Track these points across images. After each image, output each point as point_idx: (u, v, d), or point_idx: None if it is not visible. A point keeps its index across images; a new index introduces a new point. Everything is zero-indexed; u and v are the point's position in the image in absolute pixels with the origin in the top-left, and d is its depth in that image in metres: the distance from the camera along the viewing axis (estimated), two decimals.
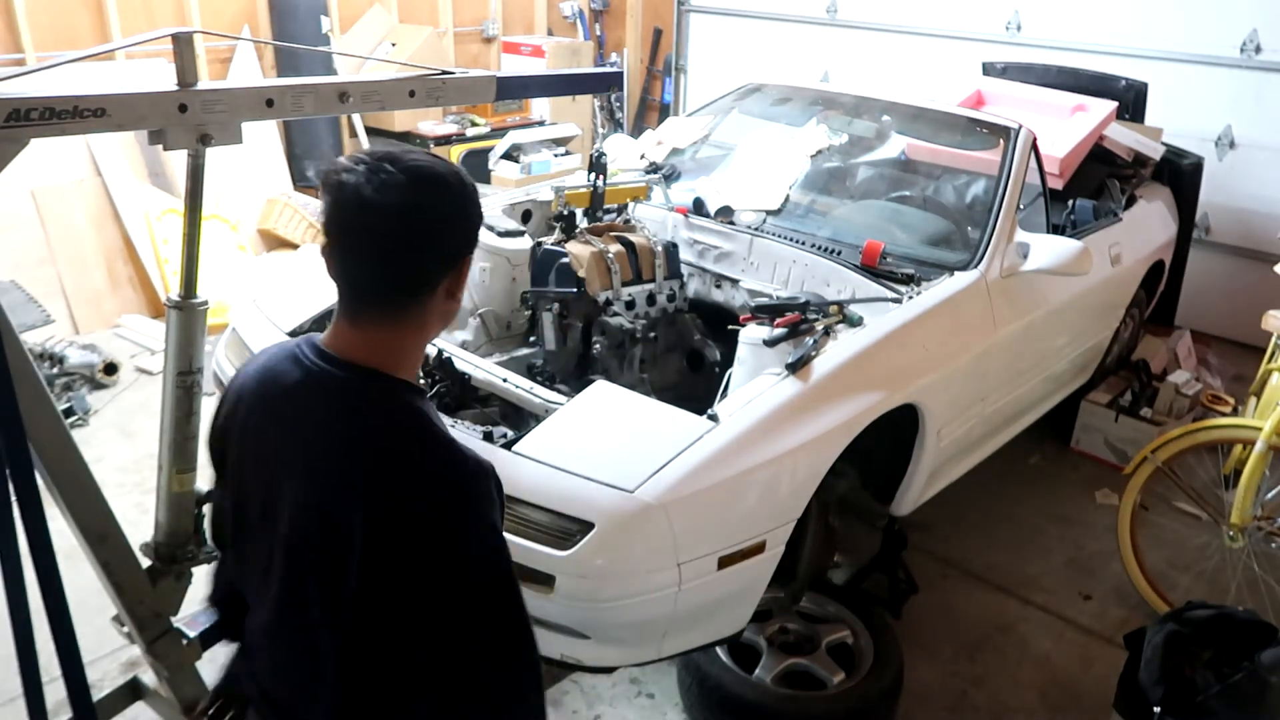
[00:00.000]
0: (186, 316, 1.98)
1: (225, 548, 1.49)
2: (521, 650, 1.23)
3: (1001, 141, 3.31)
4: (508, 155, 6.02)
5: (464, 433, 2.25)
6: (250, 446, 1.28)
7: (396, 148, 1.20)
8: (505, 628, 1.21)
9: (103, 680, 2.64)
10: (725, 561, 2.12)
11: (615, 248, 2.94)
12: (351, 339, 1.20)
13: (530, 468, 2.12)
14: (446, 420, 2.30)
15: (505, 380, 2.46)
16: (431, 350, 2.58)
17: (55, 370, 4.19)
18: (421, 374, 2.54)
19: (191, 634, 2.34)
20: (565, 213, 3.12)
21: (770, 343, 2.44)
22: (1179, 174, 4.48)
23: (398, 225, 1.14)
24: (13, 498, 1.72)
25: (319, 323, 2.78)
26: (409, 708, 1.20)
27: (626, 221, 3.24)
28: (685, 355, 3.03)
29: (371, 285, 1.18)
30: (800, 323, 2.49)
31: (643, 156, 3.70)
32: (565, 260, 2.89)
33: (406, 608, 1.15)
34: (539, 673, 1.26)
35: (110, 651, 2.76)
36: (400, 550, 1.13)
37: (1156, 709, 2.33)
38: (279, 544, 1.22)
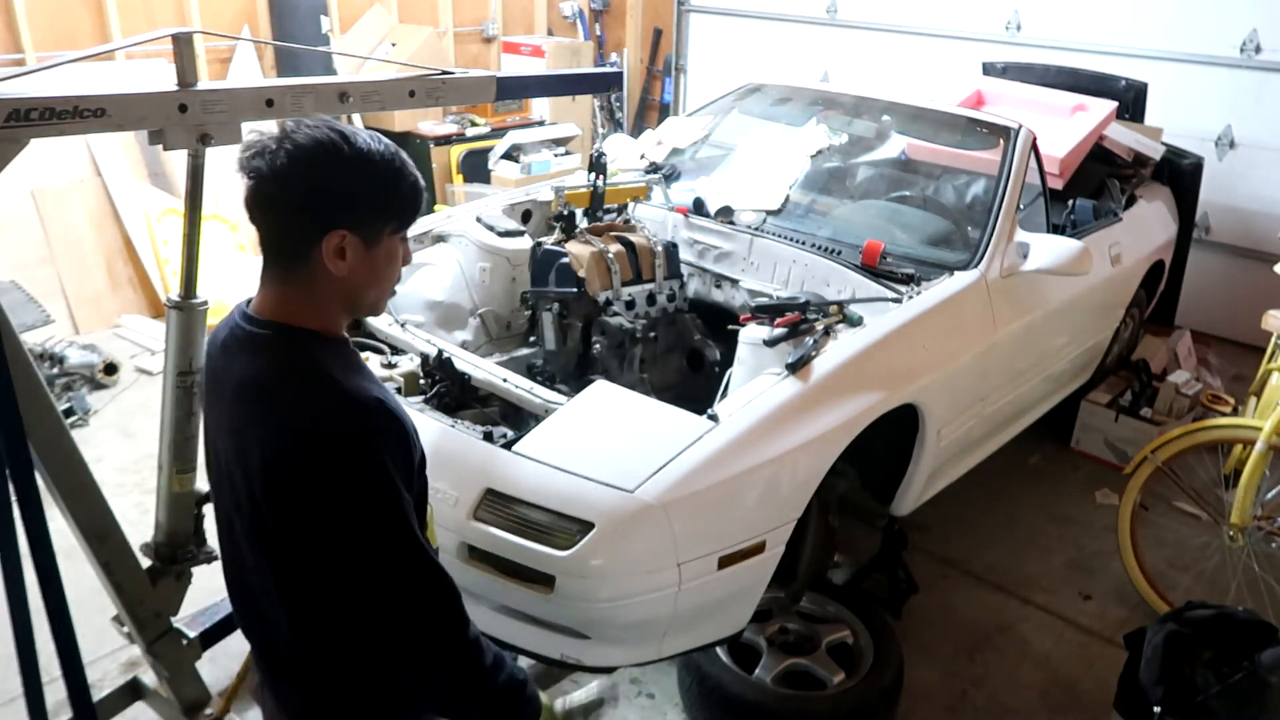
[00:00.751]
0: (186, 316, 1.98)
1: None
2: (417, 573, 1.30)
3: (1001, 141, 3.31)
4: (508, 155, 6.02)
5: (464, 433, 2.25)
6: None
7: (305, 123, 1.28)
8: (394, 555, 1.28)
9: (103, 680, 2.64)
10: (725, 561, 2.12)
11: (615, 248, 2.94)
12: (262, 298, 1.34)
13: (530, 468, 2.12)
14: (446, 420, 2.31)
15: (505, 380, 2.46)
16: (431, 350, 2.58)
17: (55, 370, 4.19)
18: (422, 373, 2.54)
19: (191, 634, 2.35)
20: (565, 213, 3.12)
21: (770, 343, 2.44)
22: (1179, 174, 4.48)
23: (274, 190, 1.25)
24: (13, 498, 1.72)
25: None
26: (347, 623, 1.33)
27: (626, 221, 3.24)
28: (685, 355, 3.03)
29: (265, 246, 1.31)
30: (800, 323, 2.49)
31: (643, 156, 3.70)
32: (565, 260, 2.89)
33: (305, 537, 1.26)
34: (439, 588, 1.32)
35: (110, 651, 2.76)
36: (289, 482, 1.24)
37: (1156, 709, 2.33)
38: (223, 480, 1.36)
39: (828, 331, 2.51)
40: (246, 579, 1.41)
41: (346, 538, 1.25)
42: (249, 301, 1.37)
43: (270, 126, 1.34)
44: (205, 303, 2.01)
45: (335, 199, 1.27)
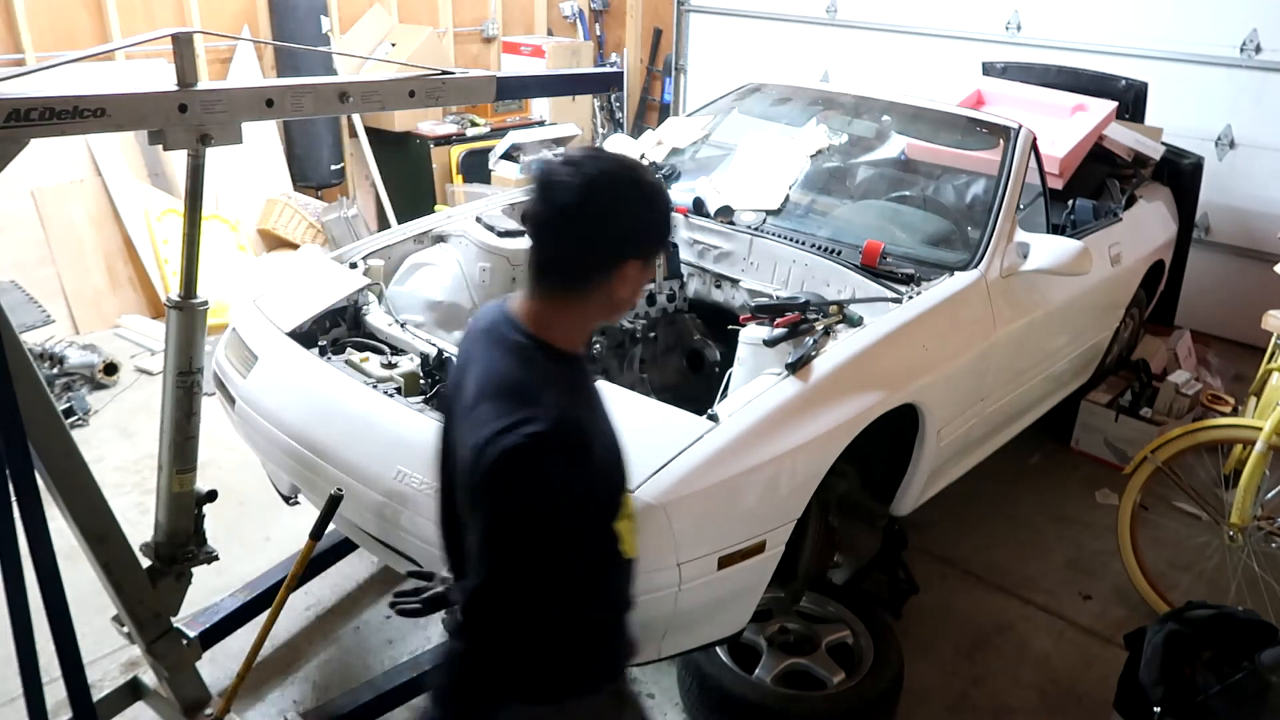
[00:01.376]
0: (186, 316, 1.98)
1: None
2: (557, 589, 1.38)
3: (1001, 141, 3.31)
4: (508, 155, 6.01)
5: None
6: (453, 378, 1.52)
7: (601, 153, 1.39)
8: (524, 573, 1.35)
9: (103, 680, 2.64)
10: (725, 561, 2.12)
11: None
12: (525, 307, 1.42)
13: None
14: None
15: None
16: (431, 350, 2.58)
17: (55, 370, 4.19)
18: (422, 373, 2.54)
19: (191, 634, 2.35)
20: None
21: (770, 343, 2.44)
22: (1179, 174, 4.48)
23: (572, 218, 1.32)
24: (13, 498, 1.72)
25: (319, 323, 2.78)
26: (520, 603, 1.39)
27: None
28: (685, 355, 3.03)
29: (543, 265, 1.38)
30: (800, 323, 2.49)
31: (643, 156, 3.70)
32: None
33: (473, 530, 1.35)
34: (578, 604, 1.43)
35: (110, 651, 2.76)
36: (482, 485, 1.30)
37: (1156, 709, 2.33)
38: (454, 459, 1.44)
39: (828, 331, 2.51)
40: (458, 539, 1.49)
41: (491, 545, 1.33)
42: (513, 299, 1.44)
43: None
44: (205, 303, 2.01)
45: (633, 232, 1.36)
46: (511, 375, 1.36)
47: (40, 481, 1.81)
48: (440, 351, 2.56)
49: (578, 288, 1.37)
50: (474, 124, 6.38)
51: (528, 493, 1.29)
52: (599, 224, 1.33)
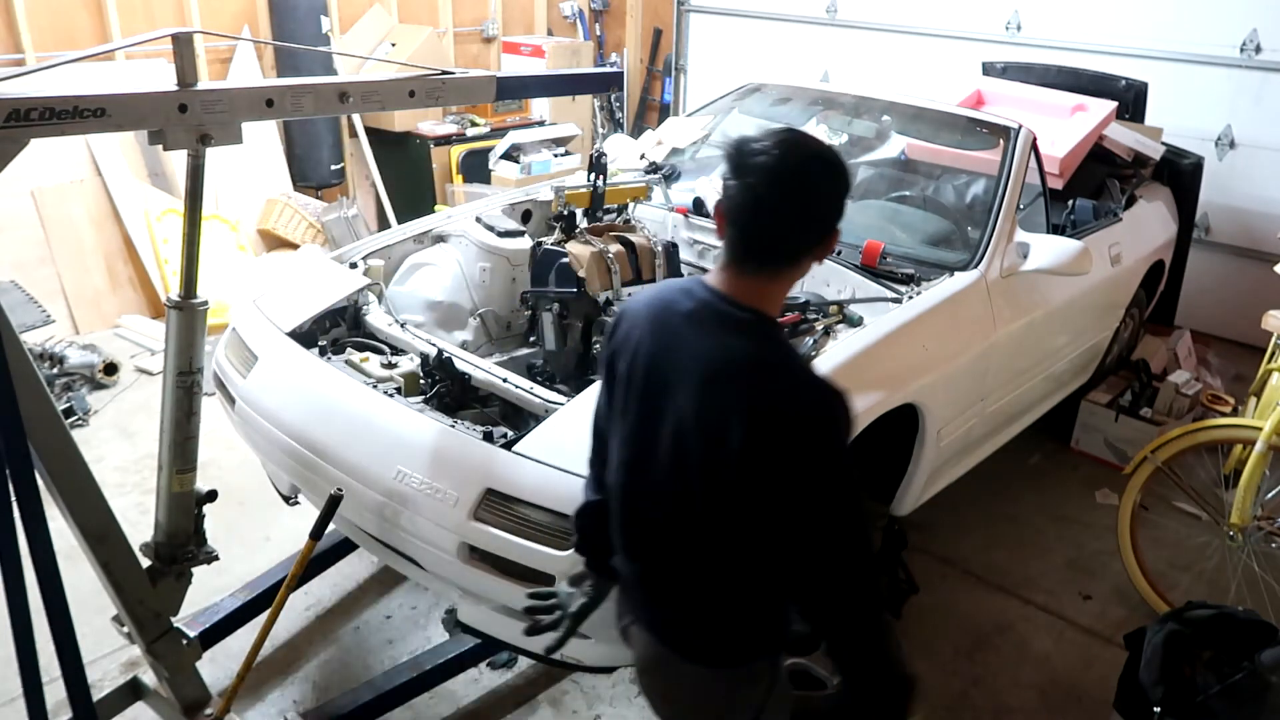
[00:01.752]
0: (186, 316, 1.98)
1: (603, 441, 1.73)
2: (857, 539, 1.47)
3: (1001, 141, 3.31)
4: (508, 155, 6.01)
5: (464, 433, 2.25)
6: (642, 357, 1.53)
7: (791, 133, 1.45)
8: (844, 522, 1.44)
9: (103, 680, 2.64)
10: None
11: (615, 248, 2.94)
12: (735, 283, 1.46)
13: (530, 468, 2.12)
14: (446, 420, 2.31)
15: (505, 380, 2.46)
16: (431, 350, 2.58)
17: (55, 370, 4.19)
18: (422, 373, 2.54)
19: (191, 634, 2.35)
20: (565, 213, 3.12)
21: None
22: (1179, 174, 4.48)
23: (782, 196, 1.39)
24: (13, 498, 1.72)
25: (319, 323, 2.78)
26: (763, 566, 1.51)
27: (626, 221, 3.24)
28: None
29: (748, 242, 1.44)
30: (800, 323, 2.49)
31: (643, 156, 3.70)
32: (565, 260, 2.89)
33: (771, 497, 1.41)
34: (869, 557, 1.51)
35: (110, 651, 2.76)
36: (769, 452, 1.37)
37: (1156, 709, 2.33)
38: (667, 433, 1.49)
39: (828, 331, 2.51)
40: (654, 514, 1.56)
41: (811, 503, 1.40)
42: (710, 280, 1.50)
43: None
44: (205, 303, 2.01)
45: (836, 207, 1.44)
46: (761, 349, 1.44)
47: (40, 481, 1.81)
48: (440, 351, 2.56)
49: (791, 262, 1.45)
50: (474, 124, 6.38)
51: (848, 448, 1.43)
52: (813, 205, 1.42)
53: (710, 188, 3.40)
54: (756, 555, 1.49)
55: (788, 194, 1.39)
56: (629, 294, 2.93)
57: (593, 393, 2.32)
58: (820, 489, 1.40)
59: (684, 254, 3.20)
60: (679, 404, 1.46)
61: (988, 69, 5.00)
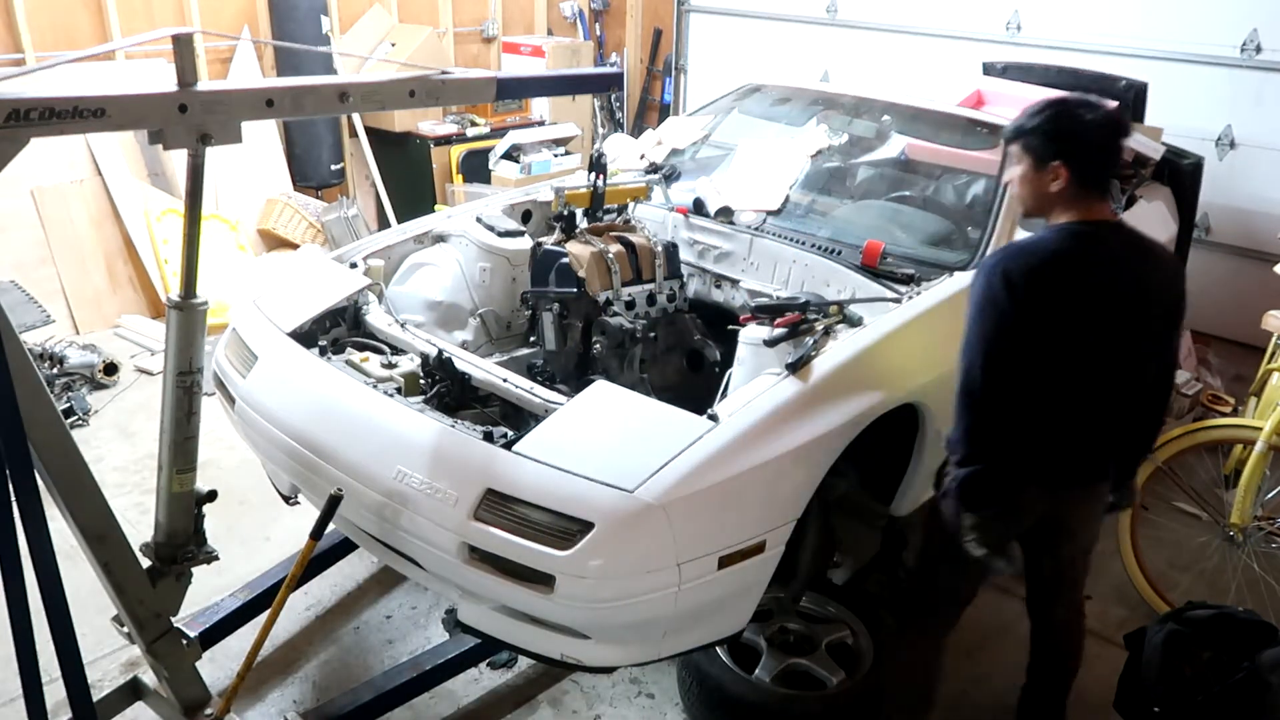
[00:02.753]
0: (186, 316, 1.98)
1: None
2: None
3: (1001, 141, 3.31)
4: (508, 155, 6.01)
5: (464, 433, 2.25)
6: (1111, 288, 2.02)
7: (1091, 97, 2.10)
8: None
9: (103, 680, 2.64)
10: (725, 561, 2.12)
11: (615, 248, 2.94)
12: (1098, 211, 2.05)
13: (530, 468, 2.12)
14: (446, 420, 2.31)
15: (505, 380, 2.46)
16: (431, 350, 2.58)
17: (55, 370, 4.19)
18: (422, 373, 2.54)
19: (191, 634, 2.35)
20: (565, 213, 3.12)
21: (770, 343, 2.43)
22: (1179, 174, 4.47)
23: (1112, 137, 2.06)
24: (13, 498, 1.72)
25: (319, 323, 2.78)
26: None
27: (626, 221, 3.24)
28: (685, 355, 3.03)
29: (1094, 176, 2.03)
30: (800, 323, 2.49)
31: (643, 156, 3.70)
32: (565, 260, 2.89)
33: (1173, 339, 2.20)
34: None
35: (110, 651, 2.76)
36: (1176, 305, 2.13)
37: (1156, 709, 2.33)
38: (1142, 337, 2.08)
39: (828, 331, 2.51)
40: (1127, 395, 2.13)
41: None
42: (1068, 223, 2.04)
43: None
44: (205, 303, 2.01)
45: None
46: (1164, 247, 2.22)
47: (40, 481, 1.81)
48: (440, 351, 2.56)
49: (1107, 187, 2.09)
50: (474, 124, 6.38)
51: None
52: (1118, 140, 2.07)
53: (710, 188, 3.40)
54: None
55: (1112, 141, 2.04)
56: (628, 294, 2.93)
57: (594, 393, 2.33)
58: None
59: (684, 254, 3.20)
60: (1154, 300, 2.06)
61: (988, 69, 4.99)
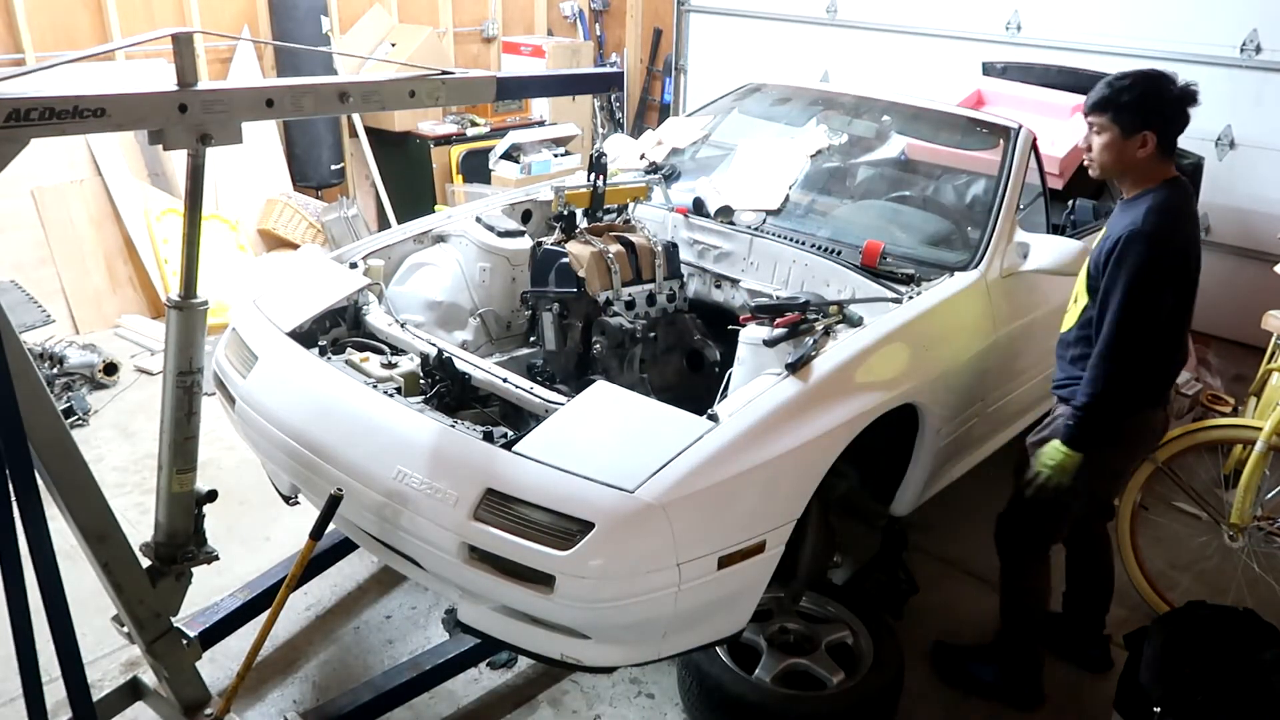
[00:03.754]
0: (186, 316, 1.98)
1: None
2: None
3: (1001, 141, 3.31)
4: (508, 155, 6.01)
5: (464, 433, 2.25)
6: (1198, 237, 2.42)
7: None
8: None
9: (103, 680, 2.64)
10: (725, 561, 2.12)
11: (615, 248, 2.94)
12: (1172, 169, 2.40)
13: (530, 468, 2.12)
14: (446, 420, 2.31)
15: (505, 380, 2.46)
16: (431, 350, 2.58)
17: (55, 370, 4.19)
18: (422, 373, 2.54)
19: (191, 634, 2.35)
20: (565, 213, 3.12)
21: (770, 343, 2.43)
22: (1179, 174, 4.47)
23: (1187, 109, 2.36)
24: (13, 498, 1.72)
25: (319, 323, 2.78)
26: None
27: (626, 221, 3.24)
28: (685, 355, 3.03)
29: (1175, 143, 2.39)
30: (800, 323, 2.49)
31: (643, 156, 3.70)
32: (565, 260, 2.89)
33: None
34: None
35: (110, 651, 2.76)
36: None
37: (1156, 709, 2.33)
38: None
39: (828, 331, 2.51)
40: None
41: None
42: (1176, 180, 2.37)
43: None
44: (205, 303, 2.01)
45: None
46: None
47: (40, 481, 1.81)
48: (440, 351, 2.56)
49: None
50: (474, 124, 6.38)
51: None
52: None
53: (710, 188, 3.40)
54: None
55: (1190, 106, 2.30)
56: (629, 294, 2.93)
57: (594, 393, 2.33)
58: None
59: (684, 254, 3.20)
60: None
61: (988, 69, 5.00)
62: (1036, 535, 2.68)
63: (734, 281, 3.16)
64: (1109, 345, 2.32)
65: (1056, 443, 2.43)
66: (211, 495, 2.24)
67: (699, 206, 3.31)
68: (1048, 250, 2.96)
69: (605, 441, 2.19)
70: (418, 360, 2.61)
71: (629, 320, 2.87)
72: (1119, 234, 2.30)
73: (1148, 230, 2.26)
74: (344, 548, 3.03)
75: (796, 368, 2.33)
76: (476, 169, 6.19)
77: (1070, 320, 2.55)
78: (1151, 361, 2.38)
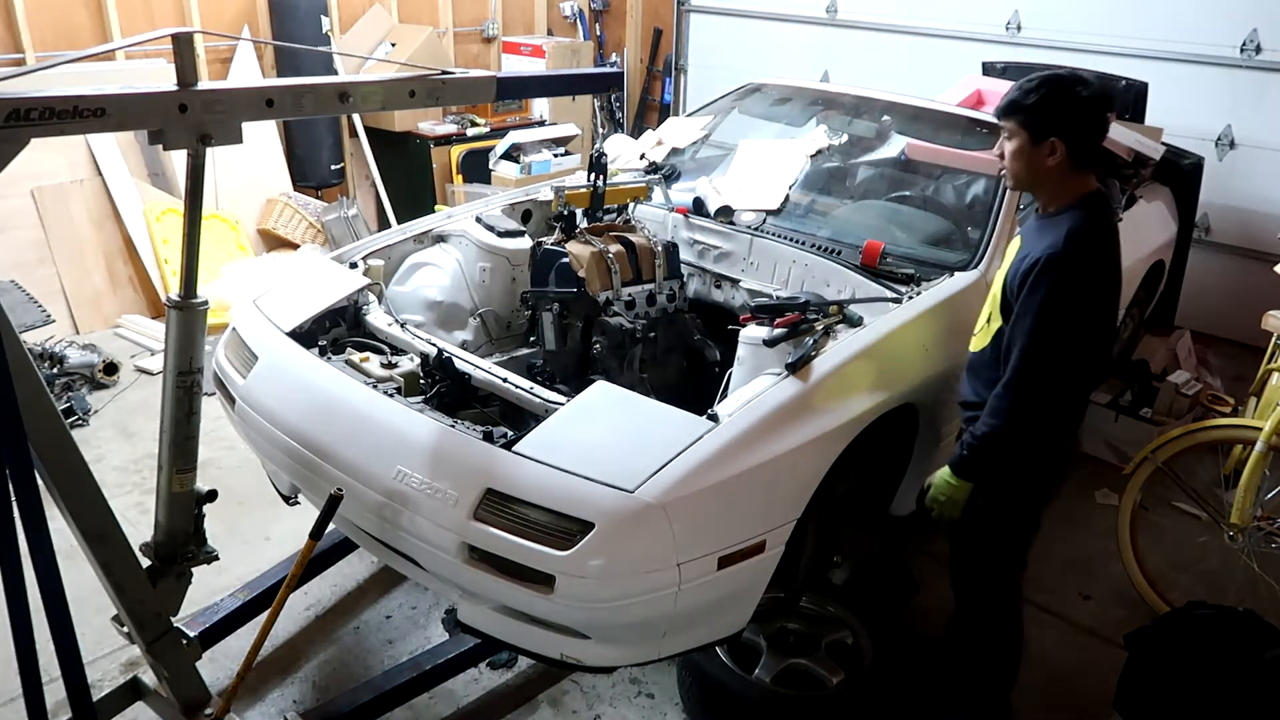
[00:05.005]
0: (186, 316, 1.98)
1: None
2: None
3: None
4: (508, 155, 6.01)
5: (464, 433, 2.25)
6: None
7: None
8: None
9: (103, 680, 2.64)
10: (725, 561, 2.12)
11: (615, 248, 2.94)
12: (1092, 181, 2.23)
13: (530, 468, 2.12)
14: (446, 420, 2.31)
15: (505, 380, 2.46)
16: (431, 350, 2.58)
17: (55, 370, 4.19)
18: (422, 373, 2.54)
19: (191, 634, 2.35)
20: (565, 213, 3.12)
21: (770, 343, 2.44)
22: (1179, 174, 4.48)
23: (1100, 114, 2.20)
24: (13, 498, 1.72)
25: (319, 323, 2.78)
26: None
27: (626, 221, 3.24)
28: (685, 355, 3.03)
29: (1093, 152, 2.21)
30: (800, 323, 2.49)
31: (643, 156, 3.70)
32: (565, 260, 2.89)
33: None
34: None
35: (110, 651, 2.76)
36: None
37: (1157, 709, 2.33)
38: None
39: (828, 331, 2.51)
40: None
41: None
42: (1097, 195, 2.20)
43: None
44: (205, 302, 2.01)
45: None
46: None
47: (40, 481, 1.81)
48: (440, 351, 2.56)
49: None
50: (474, 124, 6.38)
51: None
52: None
53: (710, 188, 3.40)
54: None
55: (1106, 110, 2.20)
56: (628, 294, 2.93)
57: (594, 393, 2.33)
58: None
59: (684, 254, 3.20)
60: None
61: (988, 69, 4.99)
62: (990, 567, 2.45)
63: (734, 281, 3.16)
64: (1015, 375, 2.12)
65: (946, 470, 2.27)
66: (211, 495, 2.24)
67: (699, 206, 3.31)
68: None
69: (605, 441, 2.19)
70: (418, 360, 2.61)
71: (629, 320, 2.87)
72: (1038, 255, 2.09)
73: (1068, 256, 2.06)
74: (344, 548, 3.03)
75: (796, 368, 2.33)
76: (476, 169, 6.19)
77: (983, 340, 2.31)
78: (1061, 395, 2.18)
